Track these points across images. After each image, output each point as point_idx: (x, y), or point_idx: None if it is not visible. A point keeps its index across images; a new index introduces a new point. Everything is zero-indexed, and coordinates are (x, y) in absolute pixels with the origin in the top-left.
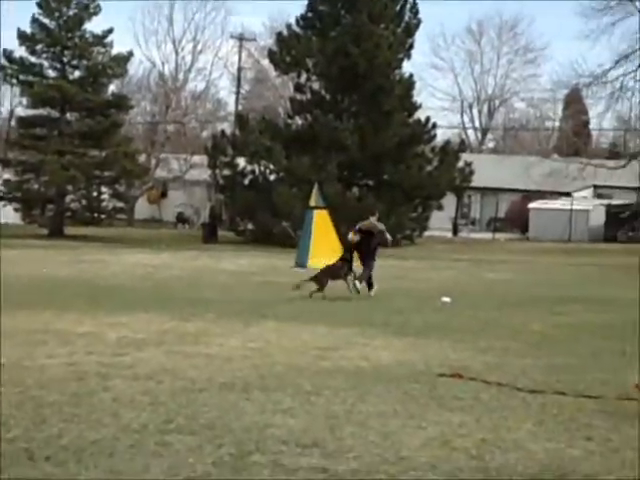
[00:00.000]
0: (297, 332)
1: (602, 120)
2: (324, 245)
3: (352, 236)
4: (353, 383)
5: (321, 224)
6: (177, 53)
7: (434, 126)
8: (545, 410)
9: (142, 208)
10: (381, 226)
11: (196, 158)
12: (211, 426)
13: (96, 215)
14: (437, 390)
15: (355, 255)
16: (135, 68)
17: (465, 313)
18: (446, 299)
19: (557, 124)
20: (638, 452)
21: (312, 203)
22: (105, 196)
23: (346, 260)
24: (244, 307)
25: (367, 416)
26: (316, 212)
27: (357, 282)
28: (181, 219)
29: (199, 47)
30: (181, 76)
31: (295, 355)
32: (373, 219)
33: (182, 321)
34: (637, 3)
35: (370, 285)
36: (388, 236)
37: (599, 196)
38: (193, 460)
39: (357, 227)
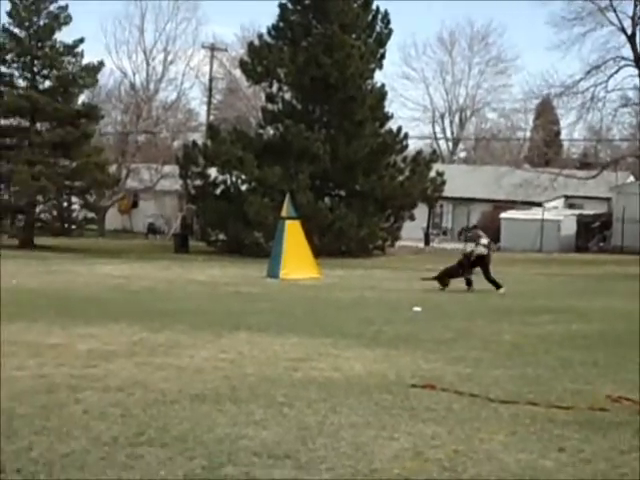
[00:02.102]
0: (269, 343)
1: (573, 130)
2: (296, 256)
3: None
4: (325, 394)
5: (293, 235)
6: (148, 63)
7: (406, 136)
8: (517, 421)
9: (113, 218)
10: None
11: (167, 168)
12: (183, 438)
13: (67, 225)
14: (409, 401)
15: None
16: (106, 78)
17: (437, 323)
18: (417, 309)
19: (528, 134)
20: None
21: (284, 213)
22: (76, 206)
23: (461, 263)
24: (215, 318)
25: (339, 427)
26: (288, 222)
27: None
28: (152, 229)
29: (170, 57)
30: (152, 86)
31: (267, 366)
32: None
33: (153, 332)
34: (608, 14)
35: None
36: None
37: (570, 206)
38: (164, 473)
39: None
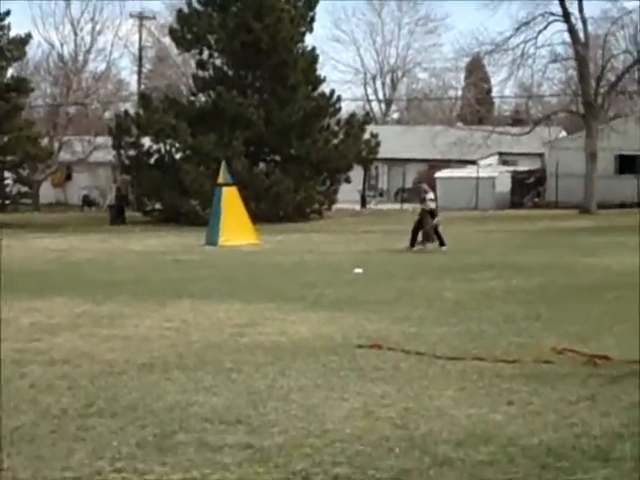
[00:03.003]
0: (213, 310)
1: (504, 88)
2: (234, 222)
3: None
4: (272, 358)
5: (230, 201)
6: (76, 34)
7: (339, 99)
8: (465, 376)
9: (47, 192)
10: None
11: (100, 139)
12: (133, 408)
13: (0, 201)
14: (357, 361)
15: None
16: (34, 50)
17: (379, 284)
18: (358, 270)
19: (460, 93)
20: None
21: (220, 180)
22: (9, 181)
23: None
24: (157, 287)
25: (289, 390)
26: (225, 189)
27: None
28: (87, 202)
29: (98, 27)
30: (81, 57)
31: (212, 333)
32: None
33: (95, 304)
34: None
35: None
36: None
37: (504, 163)
38: (116, 443)
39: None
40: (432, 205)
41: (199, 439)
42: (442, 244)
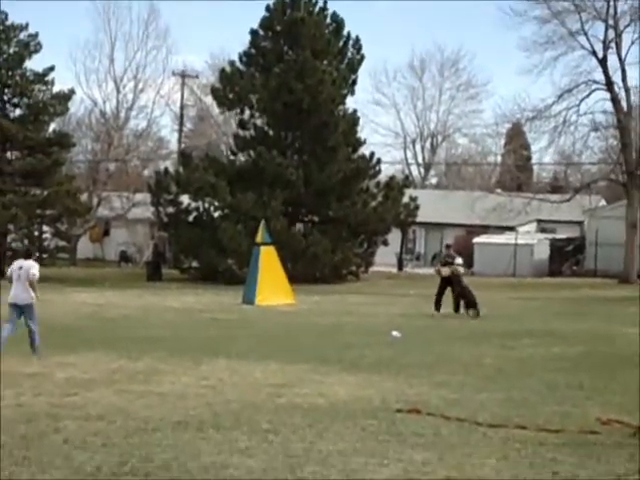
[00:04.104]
0: (249, 369)
1: (544, 155)
2: (272, 281)
3: None
4: (310, 420)
5: (268, 260)
6: (119, 91)
7: (378, 161)
8: (508, 445)
9: (84, 247)
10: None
11: (138, 196)
12: (167, 467)
13: (38, 254)
14: (396, 426)
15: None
16: (76, 106)
17: (417, 348)
18: (396, 334)
19: (499, 159)
20: None
21: (259, 239)
22: (47, 235)
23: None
24: (194, 345)
25: (327, 454)
26: (263, 248)
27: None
28: (124, 257)
29: (140, 85)
30: (123, 114)
31: (249, 393)
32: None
33: (132, 360)
34: (579, 38)
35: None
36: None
37: (543, 230)
38: None
39: None
40: (461, 270)
41: None
42: (457, 310)
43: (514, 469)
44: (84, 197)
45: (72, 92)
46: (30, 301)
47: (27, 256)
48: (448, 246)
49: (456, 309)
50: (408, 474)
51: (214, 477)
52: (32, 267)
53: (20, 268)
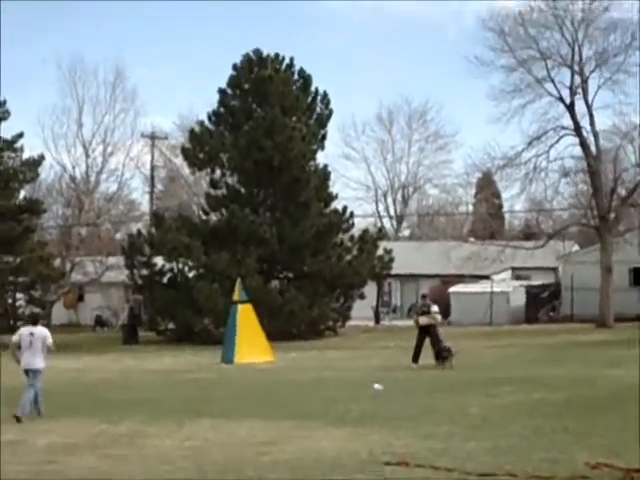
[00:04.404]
0: (234, 428)
1: (515, 202)
2: (250, 339)
3: None
4: (299, 476)
5: (246, 318)
6: (88, 155)
7: (351, 215)
8: None
9: (59, 313)
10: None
11: (111, 260)
12: None
13: (12, 322)
14: (385, 478)
15: None
16: (46, 172)
17: (400, 400)
18: (378, 386)
19: (471, 208)
20: None
21: (235, 297)
22: (21, 302)
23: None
24: (175, 406)
25: None
26: (240, 306)
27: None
28: (100, 322)
29: (110, 149)
30: (93, 178)
31: (235, 451)
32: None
33: (113, 423)
34: (546, 85)
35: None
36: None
37: (518, 278)
38: None
39: None
40: (439, 317)
41: None
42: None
43: None
44: (57, 263)
45: (42, 158)
46: (42, 366)
47: (34, 322)
48: (424, 296)
49: (437, 359)
50: None
51: None
52: (48, 337)
53: (31, 334)
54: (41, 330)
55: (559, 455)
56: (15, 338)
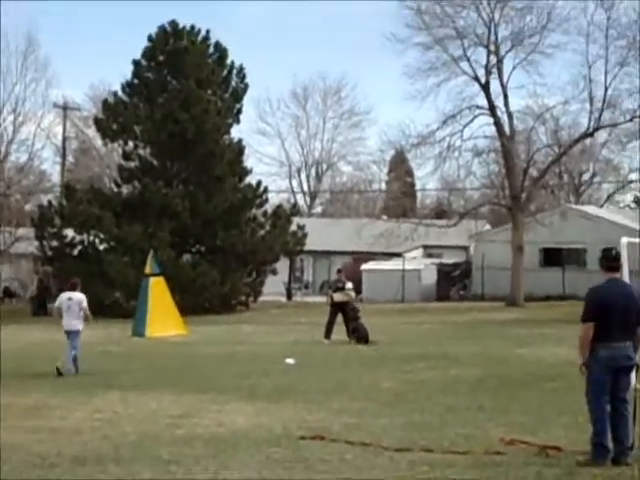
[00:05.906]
0: (144, 401)
1: (428, 181)
2: (162, 313)
3: None
4: (212, 450)
5: (158, 291)
6: None
7: (265, 190)
8: (415, 468)
9: None
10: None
11: (21, 231)
12: None
13: None
14: (301, 453)
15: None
16: None
17: (313, 375)
18: (290, 361)
19: (384, 186)
20: None
21: (147, 271)
22: None
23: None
24: (85, 378)
25: None
26: (152, 279)
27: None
28: (8, 293)
29: (20, 118)
30: (3, 148)
31: (147, 424)
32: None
33: (21, 396)
34: (461, 64)
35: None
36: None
37: (429, 256)
38: None
39: None
40: (352, 295)
41: None
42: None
43: None
44: None
45: None
46: (78, 328)
47: (73, 288)
48: (339, 270)
49: (349, 335)
50: None
51: None
52: (83, 301)
53: (69, 299)
54: (78, 295)
55: (474, 431)
56: (57, 303)
